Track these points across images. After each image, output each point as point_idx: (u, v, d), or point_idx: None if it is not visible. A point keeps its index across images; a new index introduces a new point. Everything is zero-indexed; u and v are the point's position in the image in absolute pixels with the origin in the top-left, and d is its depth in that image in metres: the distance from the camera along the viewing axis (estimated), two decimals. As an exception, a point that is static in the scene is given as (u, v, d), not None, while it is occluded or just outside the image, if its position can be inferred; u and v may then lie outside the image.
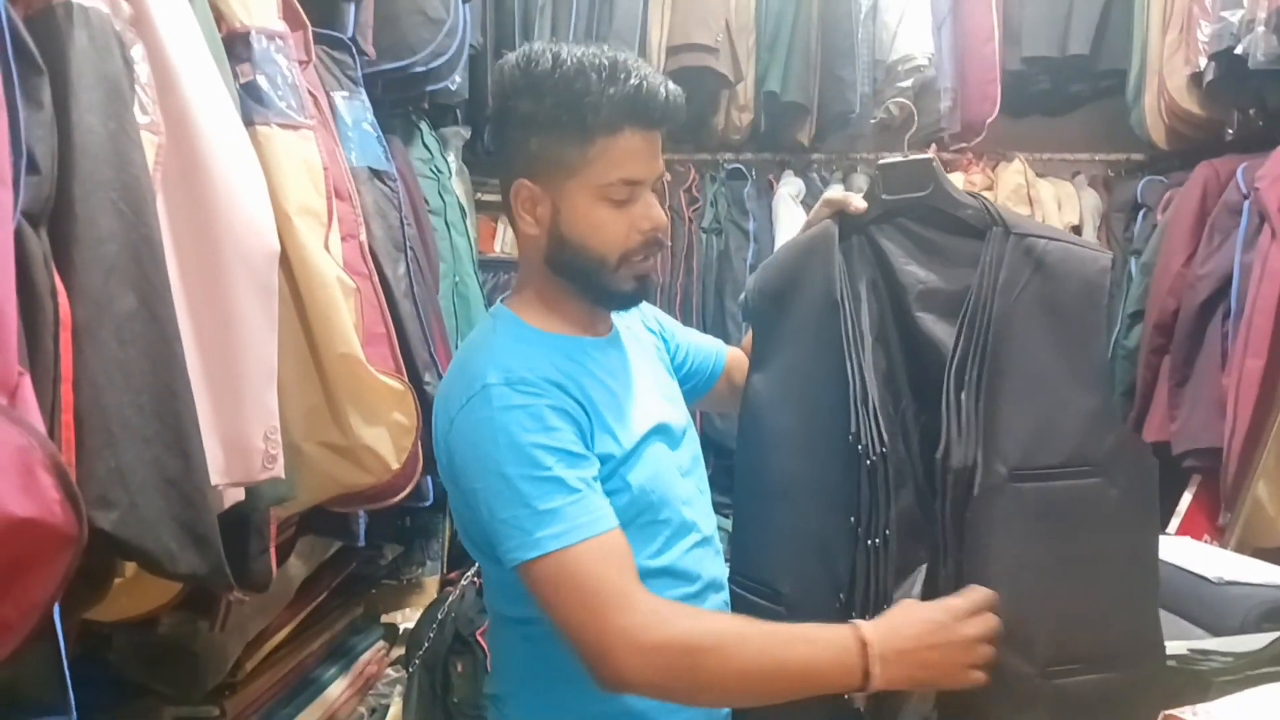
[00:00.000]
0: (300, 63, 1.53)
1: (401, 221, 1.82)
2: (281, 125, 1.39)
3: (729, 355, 1.47)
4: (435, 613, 1.99)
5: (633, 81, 1.06)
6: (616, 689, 1.00)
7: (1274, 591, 1.40)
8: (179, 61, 1.11)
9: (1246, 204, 2.28)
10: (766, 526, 1.25)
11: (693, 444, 1.27)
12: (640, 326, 1.34)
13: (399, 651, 2.25)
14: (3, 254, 0.79)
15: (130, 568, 1.07)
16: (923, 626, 1.01)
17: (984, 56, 3.02)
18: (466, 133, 2.63)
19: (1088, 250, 1.16)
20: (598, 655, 0.98)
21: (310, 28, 1.61)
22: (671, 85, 1.11)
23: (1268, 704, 0.92)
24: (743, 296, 1.34)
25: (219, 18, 1.34)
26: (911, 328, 1.21)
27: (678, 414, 1.25)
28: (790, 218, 2.98)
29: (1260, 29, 2.21)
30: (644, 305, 1.35)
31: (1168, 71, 2.71)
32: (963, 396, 1.11)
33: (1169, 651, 1.19)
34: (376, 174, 1.78)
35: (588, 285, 1.15)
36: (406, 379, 1.58)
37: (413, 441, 1.53)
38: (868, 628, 1.01)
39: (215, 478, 1.08)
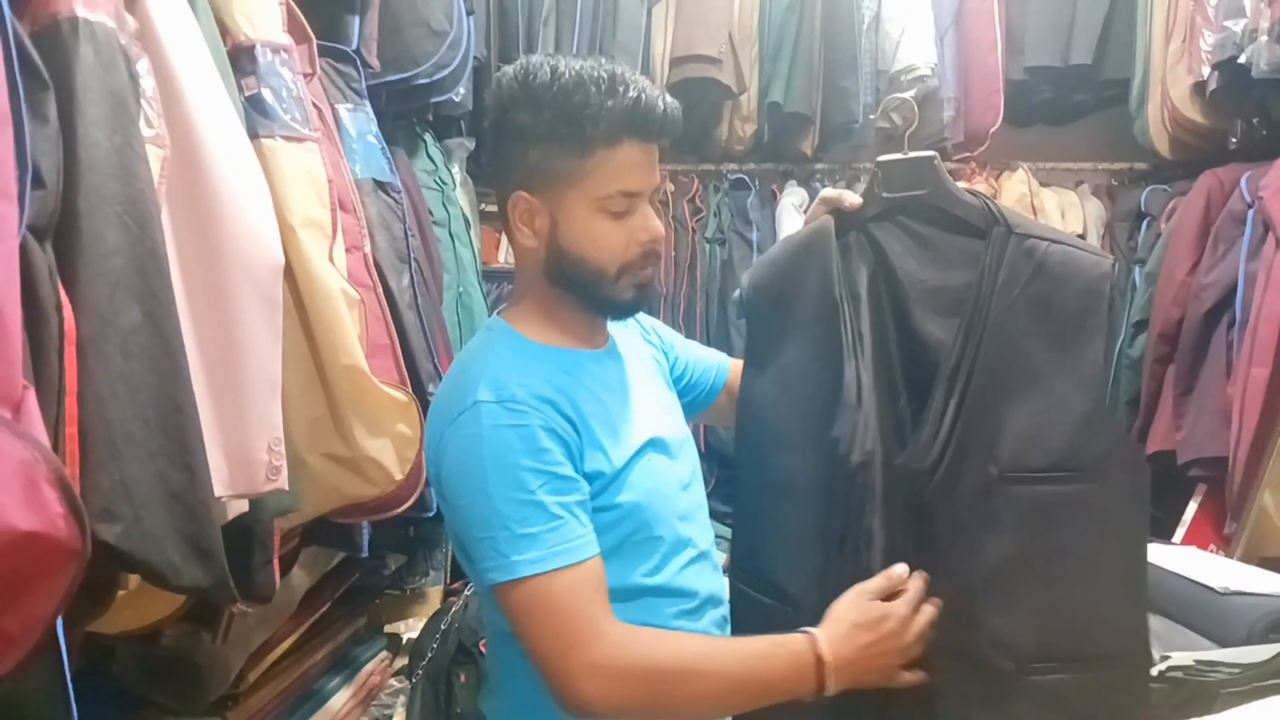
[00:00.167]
0: (305, 75, 1.53)
1: (406, 233, 1.82)
2: (286, 138, 1.40)
3: (731, 368, 1.46)
4: (438, 623, 2.00)
5: (631, 94, 1.06)
6: (580, 717, 1.03)
7: (1280, 602, 1.39)
8: (184, 75, 1.11)
9: (1250, 213, 2.28)
10: (768, 525, 1.24)
11: (691, 457, 1.26)
12: (639, 339, 1.34)
13: (402, 662, 2.25)
14: (8, 268, 0.79)
15: (133, 580, 1.07)
16: (872, 635, 1.06)
17: (987, 66, 3.03)
18: (471, 144, 2.64)
19: (1089, 254, 1.16)
20: (563, 684, 1.01)
21: (315, 40, 1.62)
22: (669, 98, 1.11)
23: (1275, 716, 0.92)
24: (737, 292, 1.34)
25: (224, 31, 1.35)
26: (910, 325, 1.21)
27: (675, 427, 1.24)
28: (794, 227, 2.96)
29: (1263, 38, 2.20)
30: (644, 317, 1.35)
31: (1171, 81, 2.71)
32: (951, 402, 1.12)
33: (1175, 663, 1.19)
34: (381, 186, 1.78)
35: (587, 296, 1.15)
36: (410, 390, 1.58)
37: (416, 452, 1.53)
38: (822, 640, 1.05)
39: (219, 490, 1.09)
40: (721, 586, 1.24)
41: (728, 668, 1.04)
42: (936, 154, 1.24)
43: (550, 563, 1.00)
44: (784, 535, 1.20)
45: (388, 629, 2.39)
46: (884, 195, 1.24)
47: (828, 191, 1.28)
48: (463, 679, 1.85)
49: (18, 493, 0.72)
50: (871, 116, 3.00)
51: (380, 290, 1.64)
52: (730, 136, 3.11)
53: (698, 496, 1.25)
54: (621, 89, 1.06)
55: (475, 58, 2.43)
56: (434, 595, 2.47)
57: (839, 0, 2.96)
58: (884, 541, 1.13)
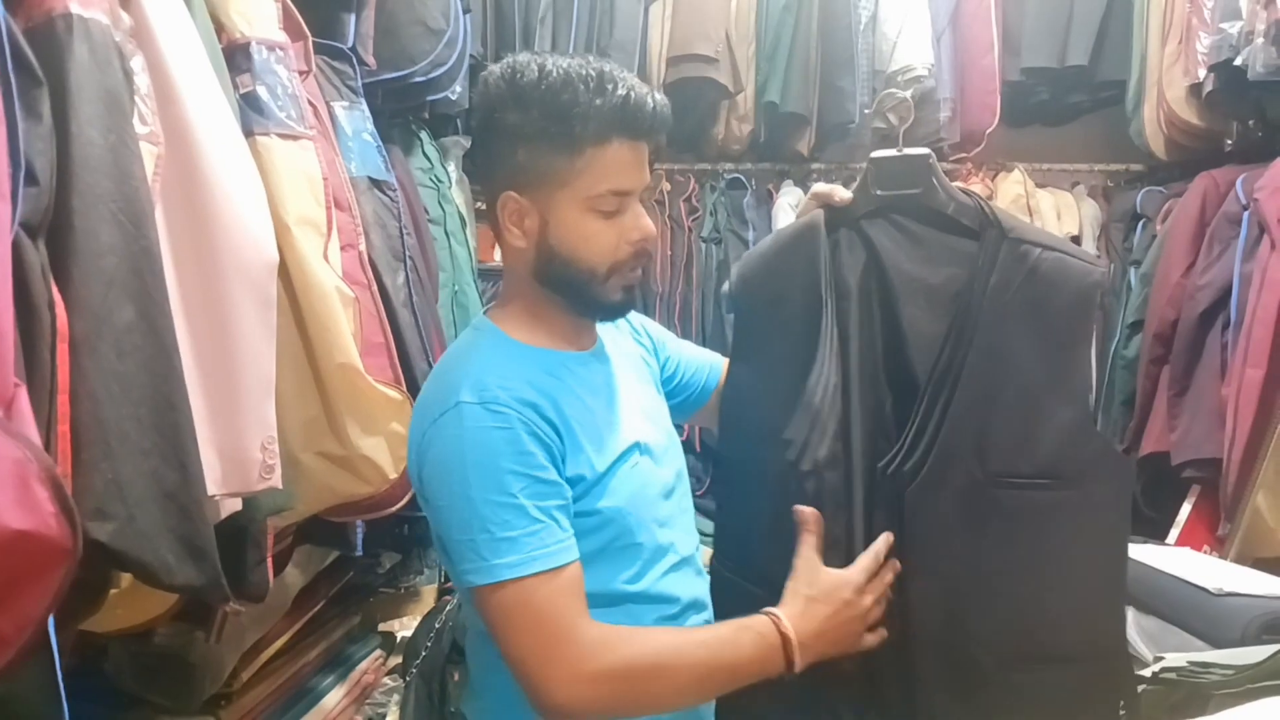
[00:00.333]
0: (300, 73, 1.53)
1: (401, 231, 1.82)
2: (281, 135, 1.39)
3: (724, 368, 1.46)
4: (433, 622, 1.99)
5: (620, 92, 1.05)
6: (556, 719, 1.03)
7: (1274, 603, 1.39)
8: (179, 73, 1.11)
9: (1246, 215, 2.29)
10: (751, 516, 1.24)
11: (675, 462, 1.25)
12: (629, 339, 1.33)
13: (396, 660, 2.25)
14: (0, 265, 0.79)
15: (126, 579, 1.07)
16: (832, 607, 1.09)
17: (984, 67, 3.03)
18: (467, 142, 2.63)
19: (1081, 262, 1.16)
20: (538, 687, 1.01)
21: (310, 38, 1.61)
22: (659, 96, 1.10)
23: (1268, 718, 0.92)
24: (726, 285, 1.34)
25: (219, 28, 1.34)
26: (899, 323, 1.20)
27: (660, 432, 1.23)
28: (790, 227, 2.98)
29: (1259, 41, 2.21)
30: (635, 316, 1.34)
31: (1167, 82, 2.72)
32: (938, 405, 1.12)
33: (1169, 664, 1.19)
34: (376, 184, 1.78)
35: (577, 297, 1.14)
36: (405, 389, 1.57)
37: (410, 451, 1.53)
38: (785, 620, 1.07)
39: (212, 488, 1.08)
40: (704, 591, 1.23)
41: (697, 657, 1.05)
42: (930, 151, 1.23)
43: (529, 567, 1.00)
44: (767, 527, 1.21)
45: (382, 627, 2.38)
46: (877, 192, 1.23)
47: (819, 187, 1.28)
48: (456, 678, 1.84)
49: (9, 491, 0.72)
50: (867, 112, 2.99)
51: (375, 288, 1.63)
52: (727, 136, 3.11)
53: (682, 502, 1.24)
54: (610, 87, 1.05)
55: (471, 56, 2.43)
56: (428, 594, 2.46)
57: (836, 0, 2.96)
58: (863, 543, 1.14)
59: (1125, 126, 2.93)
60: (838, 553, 1.13)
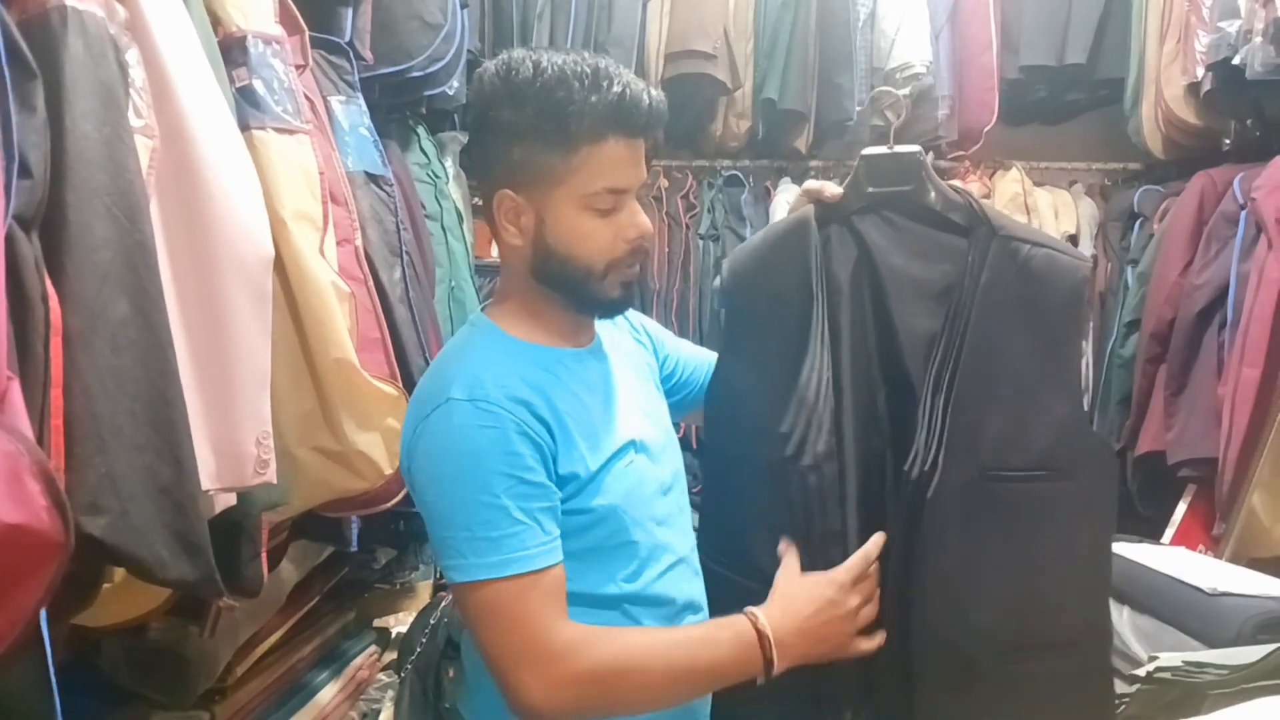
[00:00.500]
0: (297, 67, 1.52)
1: (398, 226, 1.82)
2: (277, 130, 1.39)
3: None
4: (428, 618, 1.98)
5: (615, 89, 1.05)
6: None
7: (1269, 603, 1.39)
8: (174, 65, 1.11)
9: (1243, 214, 2.29)
10: (741, 509, 1.24)
11: (673, 460, 1.25)
12: (627, 337, 1.32)
13: (391, 656, 2.25)
14: (-7, 258, 0.78)
15: (119, 574, 1.07)
16: (813, 605, 1.09)
17: (982, 65, 3.03)
18: (464, 137, 2.63)
19: (1069, 257, 1.18)
20: (513, 688, 1.01)
21: (307, 32, 1.61)
22: (655, 92, 1.09)
23: (1263, 717, 0.92)
24: (716, 280, 1.34)
25: (215, 21, 1.34)
26: (889, 319, 1.21)
27: (657, 429, 1.23)
28: (787, 224, 2.98)
29: (1258, 39, 2.21)
30: (634, 314, 1.34)
31: (1165, 81, 2.71)
32: (937, 402, 1.13)
33: (1164, 663, 1.20)
34: (373, 179, 1.77)
35: (574, 294, 1.14)
36: (401, 384, 1.57)
37: (406, 447, 1.52)
38: (764, 618, 1.07)
39: (207, 483, 1.08)
40: (700, 592, 1.23)
41: (672, 657, 1.05)
42: (921, 149, 1.24)
43: (507, 569, 1.00)
44: (757, 520, 1.21)
45: (377, 623, 2.38)
46: (868, 189, 1.24)
47: (810, 183, 1.29)
48: (451, 674, 1.84)
49: (1, 485, 0.71)
50: (858, 109, 2.98)
51: (371, 284, 1.63)
52: (724, 132, 3.10)
53: (679, 500, 1.24)
54: (605, 84, 1.04)
55: (469, 51, 2.42)
56: (423, 590, 2.46)
57: (834, -3, 2.95)
58: (858, 538, 1.15)
59: (1123, 125, 2.93)
60: (836, 546, 1.14)
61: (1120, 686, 1.25)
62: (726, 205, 3.14)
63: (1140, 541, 1.86)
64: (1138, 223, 2.93)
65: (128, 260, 0.96)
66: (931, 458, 1.12)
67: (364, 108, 1.81)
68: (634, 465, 1.14)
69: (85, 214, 0.92)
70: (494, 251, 3.03)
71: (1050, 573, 1.14)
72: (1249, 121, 2.51)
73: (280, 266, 1.32)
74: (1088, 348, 2.98)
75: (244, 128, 1.32)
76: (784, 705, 1.14)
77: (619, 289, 1.14)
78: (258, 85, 1.37)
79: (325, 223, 1.44)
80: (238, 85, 1.35)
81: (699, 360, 1.42)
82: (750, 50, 3.01)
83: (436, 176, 2.37)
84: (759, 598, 1.13)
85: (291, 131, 1.42)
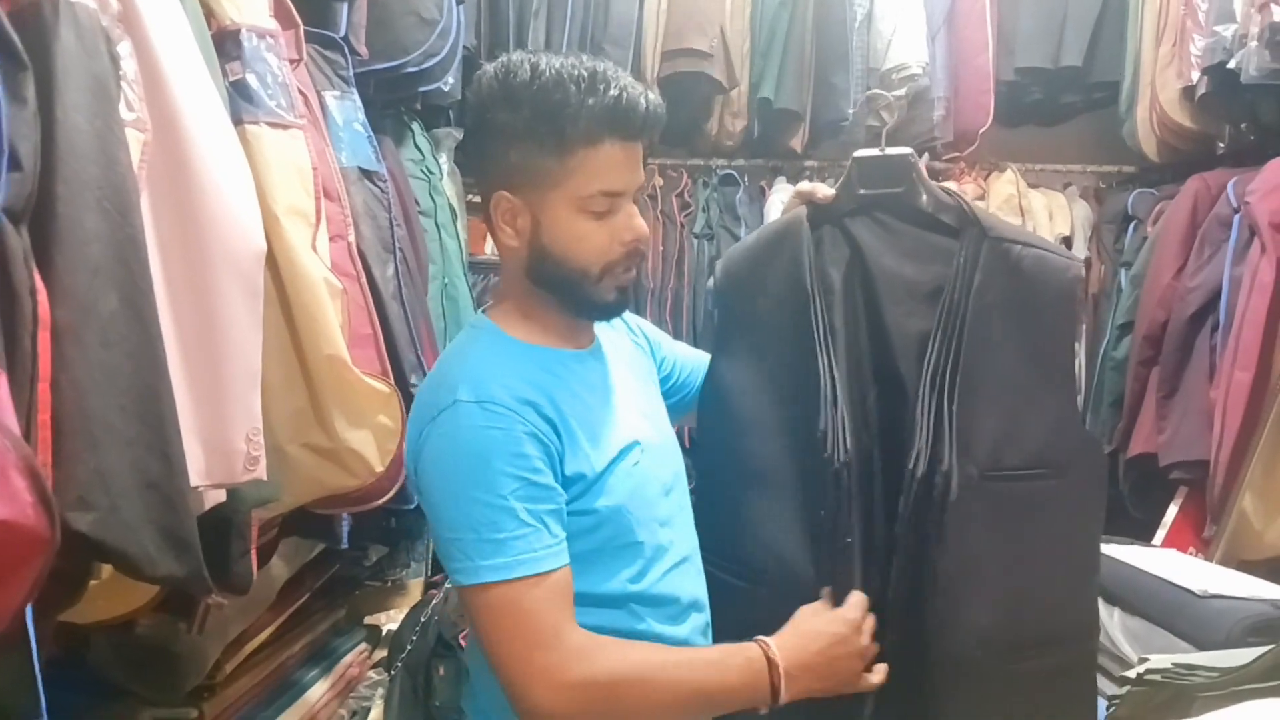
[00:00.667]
0: (291, 61, 1.52)
1: (391, 222, 1.81)
2: (271, 124, 1.38)
3: None
4: (418, 615, 1.98)
5: (612, 92, 1.05)
6: None
7: (1259, 605, 1.39)
8: (167, 58, 1.10)
9: (1237, 217, 2.29)
10: (741, 510, 1.25)
11: (674, 461, 1.25)
12: (625, 339, 1.32)
13: (381, 654, 2.24)
14: (-19, 251, 0.78)
15: (107, 570, 1.06)
16: (825, 641, 1.10)
17: (978, 66, 3.03)
18: (459, 134, 2.62)
19: (1060, 258, 1.19)
20: (519, 691, 1.01)
21: (302, 26, 1.60)
22: (652, 95, 1.10)
23: (1251, 721, 0.92)
24: (710, 280, 1.35)
25: (209, 15, 1.33)
26: (881, 319, 1.22)
27: (658, 430, 1.23)
28: (782, 224, 2.98)
29: (1253, 44, 2.21)
30: (631, 316, 1.34)
31: (1160, 84, 2.72)
32: (938, 401, 1.14)
33: (1153, 665, 1.20)
34: (366, 174, 1.77)
35: (569, 297, 1.14)
36: (392, 381, 1.57)
37: (397, 444, 1.52)
38: (776, 647, 1.08)
39: (196, 479, 1.07)
40: (703, 592, 1.23)
41: (680, 676, 1.05)
42: (913, 151, 1.26)
43: (514, 571, 1.00)
44: (760, 519, 1.21)
45: (368, 621, 2.38)
46: (860, 191, 1.25)
47: (802, 185, 1.30)
48: (441, 672, 1.84)
49: (-13, 480, 0.71)
50: (851, 112, 2.98)
51: (364, 280, 1.62)
52: (720, 131, 3.10)
53: (680, 500, 1.24)
54: (602, 87, 1.04)
55: (465, 47, 2.42)
56: (415, 587, 2.45)
57: (831, -3, 2.95)
58: (861, 537, 1.16)
59: (1118, 128, 2.93)
60: (851, 546, 1.15)
61: (1110, 688, 1.25)
62: (721, 204, 3.13)
63: (1131, 543, 1.87)
64: (1132, 225, 2.93)
65: (118, 254, 0.95)
66: (946, 458, 1.12)
67: (358, 103, 1.80)
68: (639, 466, 1.14)
69: (76, 207, 0.91)
70: (487, 248, 3.02)
71: (1045, 570, 1.16)
72: (1243, 125, 2.52)
73: (272, 262, 1.31)
74: (1080, 350, 2.98)
75: (237, 122, 1.31)
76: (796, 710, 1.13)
77: (614, 292, 1.14)
78: (251, 79, 1.36)
79: (318, 218, 1.44)
80: (231, 79, 1.34)
81: (695, 362, 1.42)
82: (747, 49, 3.00)
83: (430, 172, 2.36)
84: (751, 597, 1.13)
85: (285, 126, 1.41)
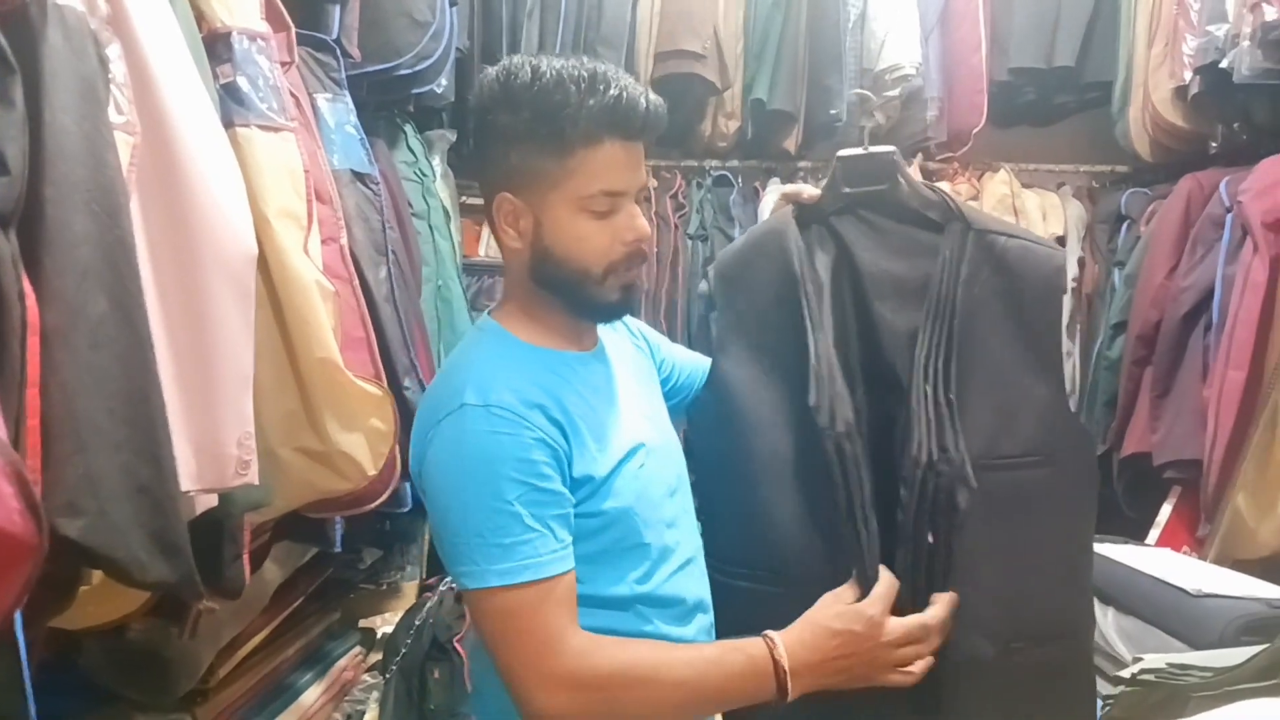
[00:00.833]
0: (283, 64, 1.51)
1: (383, 225, 1.80)
2: (262, 127, 1.38)
3: None
4: (413, 618, 1.98)
5: (612, 92, 1.05)
6: None
7: (1253, 604, 1.40)
8: (157, 61, 1.09)
9: (1229, 217, 2.30)
10: (748, 509, 1.24)
11: (677, 462, 1.25)
12: (627, 342, 1.32)
13: (376, 657, 2.23)
14: (-31, 256, 0.77)
15: (98, 575, 1.05)
16: (837, 639, 1.08)
17: (971, 67, 3.03)
18: (452, 136, 2.62)
19: (1043, 248, 1.21)
20: (523, 694, 1.02)
21: (294, 29, 1.60)
22: (652, 95, 1.10)
23: (1245, 720, 0.92)
24: (703, 285, 1.36)
25: (200, 17, 1.32)
26: (869, 315, 1.23)
27: (660, 432, 1.23)
28: (776, 225, 2.97)
29: (1245, 43, 2.22)
30: (631, 319, 1.35)
31: (1153, 84, 2.72)
32: (931, 390, 1.14)
33: (1148, 665, 1.20)
34: (359, 177, 1.76)
35: (572, 298, 1.14)
36: (385, 384, 1.56)
37: (390, 447, 1.52)
38: (781, 645, 1.06)
39: (187, 483, 1.07)
40: (708, 592, 1.23)
41: (683, 674, 1.05)
42: (895, 149, 1.27)
43: (520, 575, 1.00)
44: (769, 516, 1.21)
45: (362, 624, 2.37)
46: (845, 190, 1.26)
47: (787, 187, 1.31)
48: (436, 675, 1.84)
49: (-27, 487, 0.70)
50: (843, 112, 2.98)
51: (356, 283, 1.62)
52: (714, 133, 3.10)
53: (684, 501, 1.24)
54: (602, 88, 1.05)
55: (458, 50, 2.41)
56: (409, 590, 2.45)
57: (824, -2, 2.95)
58: (876, 521, 1.14)
59: (1111, 128, 2.94)
60: (860, 520, 1.13)
61: (1105, 688, 1.25)
62: (715, 205, 3.13)
63: (1125, 543, 1.87)
64: (1125, 225, 2.94)
65: (107, 257, 0.94)
66: (953, 445, 1.12)
67: (351, 105, 1.79)
68: (644, 468, 1.14)
69: (64, 210, 0.90)
70: (481, 250, 3.02)
71: (1043, 558, 1.17)
72: (1236, 125, 2.52)
73: (264, 265, 1.31)
74: (1074, 349, 2.98)
75: (228, 125, 1.30)
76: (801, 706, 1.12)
77: (618, 292, 1.14)
78: (242, 82, 1.36)
79: (310, 221, 1.43)
80: (222, 82, 1.34)
81: (694, 365, 1.43)
82: (740, 50, 3.00)
83: (424, 175, 2.36)
84: (757, 596, 1.12)
85: (276, 129, 1.40)
